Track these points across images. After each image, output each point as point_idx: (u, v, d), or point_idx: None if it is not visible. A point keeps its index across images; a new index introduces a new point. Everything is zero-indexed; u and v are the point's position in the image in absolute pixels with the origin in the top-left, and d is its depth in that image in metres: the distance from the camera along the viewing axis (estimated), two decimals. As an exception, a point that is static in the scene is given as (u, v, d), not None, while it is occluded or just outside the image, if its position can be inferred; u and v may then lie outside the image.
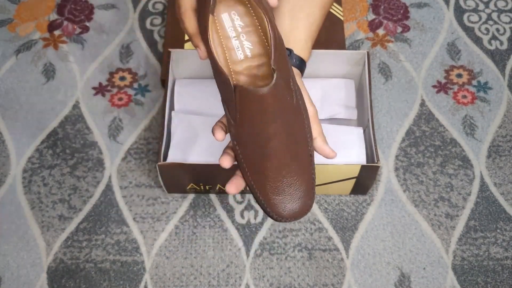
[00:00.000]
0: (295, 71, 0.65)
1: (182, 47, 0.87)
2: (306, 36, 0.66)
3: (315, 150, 0.62)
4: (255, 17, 0.58)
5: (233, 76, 0.58)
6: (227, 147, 0.61)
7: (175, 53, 0.78)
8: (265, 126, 0.55)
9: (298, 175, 0.57)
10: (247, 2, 0.57)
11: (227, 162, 0.58)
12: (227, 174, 0.61)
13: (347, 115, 0.81)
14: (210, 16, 0.56)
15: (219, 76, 0.56)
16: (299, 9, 0.66)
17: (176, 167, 0.70)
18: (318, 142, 0.61)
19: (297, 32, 0.66)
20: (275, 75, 0.53)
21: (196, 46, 0.57)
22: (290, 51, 0.65)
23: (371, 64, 0.90)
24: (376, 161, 0.71)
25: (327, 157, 0.62)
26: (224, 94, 0.57)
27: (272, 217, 0.58)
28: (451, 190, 0.79)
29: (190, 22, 0.56)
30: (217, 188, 0.77)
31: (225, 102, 0.58)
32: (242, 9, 0.58)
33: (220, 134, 0.59)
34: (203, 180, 0.74)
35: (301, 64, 0.65)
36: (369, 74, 0.77)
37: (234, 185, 0.58)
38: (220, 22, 0.58)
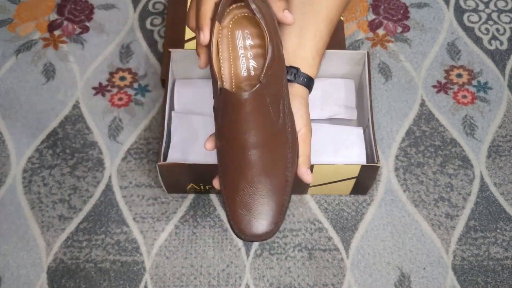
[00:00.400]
0: (302, 91, 0.65)
1: (182, 47, 0.87)
2: (314, 53, 0.66)
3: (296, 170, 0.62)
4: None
5: (233, 89, 0.60)
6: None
7: (175, 53, 0.78)
8: (243, 134, 0.56)
9: (270, 196, 0.57)
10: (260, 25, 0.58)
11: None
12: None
13: (347, 115, 0.81)
14: (221, 27, 0.58)
15: (214, 81, 0.58)
16: (306, 27, 0.66)
17: (176, 167, 0.70)
18: (299, 161, 0.62)
19: (304, 50, 0.66)
20: (258, 85, 0.54)
21: (201, 29, 0.57)
22: (297, 69, 0.65)
23: (371, 64, 0.90)
24: (376, 161, 0.71)
25: (301, 178, 0.62)
26: (214, 99, 0.59)
27: (234, 232, 0.57)
28: (451, 190, 0.79)
29: (206, 4, 0.57)
30: None
31: (214, 107, 0.59)
32: (255, 31, 0.60)
33: (210, 144, 0.61)
34: (203, 180, 0.74)
35: (309, 82, 0.66)
36: (369, 74, 0.77)
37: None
38: (233, 37, 0.59)
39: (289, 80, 0.64)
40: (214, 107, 0.60)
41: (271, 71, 0.56)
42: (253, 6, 0.56)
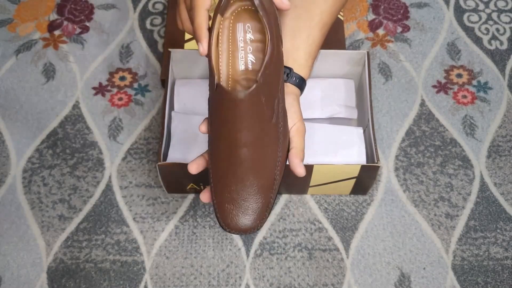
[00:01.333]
0: (294, 89, 0.66)
1: (182, 47, 0.87)
2: (306, 55, 0.68)
3: (288, 160, 0.62)
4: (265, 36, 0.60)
5: (230, 82, 0.60)
6: (205, 152, 0.63)
7: (175, 53, 0.78)
8: (236, 133, 0.56)
9: (257, 194, 0.58)
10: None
11: (193, 168, 0.61)
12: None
13: (348, 114, 0.81)
14: (222, 19, 0.58)
15: (210, 74, 0.58)
16: (299, 30, 0.67)
17: (176, 167, 0.70)
18: (291, 154, 0.62)
19: (297, 52, 0.67)
20: (255, 85, 0.54)
21: (199, 41, 0.58)
22: (290, 69, 0.66)
23: (371, 64, 0.90)
24: (376, 161, 0.71)
25: (294, 171, 0.62)
26: (210, 91, 0.59)
27: (219, 224, 0.59)
28: (451, 190, 0.79)
29: (200, 16, 0.57)
30: None
31: (209, 100, 0.59)
32: (257, 25, 0.60)
33: (204, 127, 0.61)
34: (203, 180, 0.74)
35: (301, 82, 0.67)
36: (369, 74, 0.77)
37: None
38: (234, 30, 0.60)
39: None
40: (208, 99, 0.60)
41: (269, 70, 0.56)
42: (256, 2, 0.56)
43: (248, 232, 0.58)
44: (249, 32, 0.60)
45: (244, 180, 0.58)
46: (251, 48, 0.60)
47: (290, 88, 0.66)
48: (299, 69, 0.67)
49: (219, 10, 0.57)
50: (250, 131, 0.56)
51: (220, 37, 0.59)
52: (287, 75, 0.66)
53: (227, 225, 0.58)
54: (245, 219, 0.58)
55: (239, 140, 0.56)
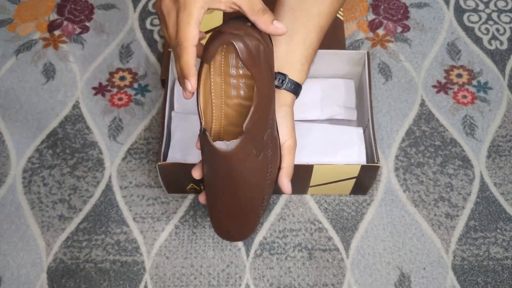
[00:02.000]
0: (288, 98, 0.66)
1: (182, 47, 0.87)
2: (302, 59, 0.66)
3: (278, 178, 0.65)
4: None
5: (223, 106, 0.60)
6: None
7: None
8: (225, 182, 0.59)
9: (248, 213, 0.63)
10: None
11: (197, 174, 0.63)
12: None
13: (347, 115, 0.81)
14: (206, 74, 0.58)
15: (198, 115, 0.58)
16: (295, 33, 0.65)
17: (176, 167, 0.70)
18: (282, 173, 0.65)
19: (293, 56, 0.66)
20: (241, 137, 0.55)
21: (186, 78, 0.53)
22: (285, 76, 0.65)
23: (371, 64, 0.90)
24: (376, 161, 0.71)
25: (281, 189, 0.65)
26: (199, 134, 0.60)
27: (214, 230, 0.67)
28: (451, 190, 0.79)
29: (188, 53, 0.53)
30: None
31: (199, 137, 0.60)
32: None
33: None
34: (203, 180, 0.74)
35: (296, 88, 0.66)
36: (369, 74, 0.77)
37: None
38: (227, 58, 0.58)
39: (276, 86, 0.64)
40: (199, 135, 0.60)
41: (257, 117, 0.56)
42: (243, 55, 0.53)
43: (238, 241, 0.69)
44: (241, 67, 0.58)
45: (237, 206, 0.62)
46: (243, 79, 0.59)
47: (283, 97, 0.65)
48: (295, 74, 0.66)
49: (205, 59, 0.55)
50: (240, 177, 0.58)
51: (212, 70, 0.58)
52: (281, 82, 0.64)
53: (220, 235, 0.67)
54: (236, 233, 0.66)
55: (229, 185, 0.59)
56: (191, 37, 0.52)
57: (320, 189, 0.77)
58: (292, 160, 0.65)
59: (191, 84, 0.53)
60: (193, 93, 0.54)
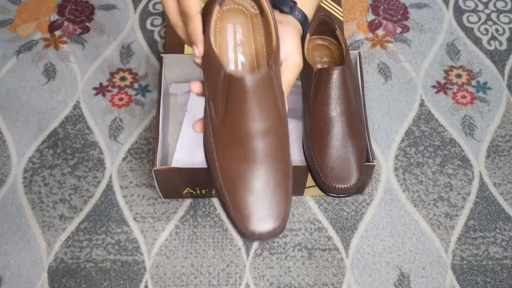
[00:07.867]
0: (296, 24, 0.61)
1: (183, 47, 0.87)
2: None
3: None
4: (251, 31, 0.58)
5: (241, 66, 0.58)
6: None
7: (167, 58, 0.78)
8: (250, 123, 0.52)
9: (278, 183, 0.52)
10: (249, 16, 0.57)
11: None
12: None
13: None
14: (216, 20, 0.56)
15: (210, 66, 0.54)
16: None
17: (172, 172, 0.70)
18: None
19: None
20: (266, 70, 0.51)
21: (194, 44, 0.55)
22: (294, 3, 0.61)
23: (370, 65, 0.90)
24: (371, 160, 0.71)
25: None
26: (211, 87, 0.55)
27: (238, 231, 0.52)
28: (451, 190, 0.80)
29: (195, 21, 0.54)
30: (213, 191, 0.77)
31: (211, 96, 0.55)
32: (244, 21, 0.58)
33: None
34: (200, 184, 0.74)
35: (304, 21, 0.62)
36: (361, 74, 0.77)
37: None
38: (223, 31, 0.58)
39: (284, 12, 0.61)
40: (208, 95, 0.56)
41: (274, 60, 0.54)
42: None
43: (272, 236, 0.51)
44: (239, 32, 0.58)
45: (265, 171, 0.52)
46: (240, 48, 0.58)
47: (291, 20, 0.61)
48: (303, 4, 0.62)
49: (218, 1, 0.54)
50: (263, 121, 0.52)
51: (218, 28, 0.57)
52: (290, 8, 0.61)
53: (248, 231, 0.50)
54: (269, 221, 0.51)
55: (253, 132, 0.52)
56: (194, 4, 0.53)
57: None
58: (293, 78, 0.58)
59: (199, 50, 0.55)
60: (201, 58, 0.55)
